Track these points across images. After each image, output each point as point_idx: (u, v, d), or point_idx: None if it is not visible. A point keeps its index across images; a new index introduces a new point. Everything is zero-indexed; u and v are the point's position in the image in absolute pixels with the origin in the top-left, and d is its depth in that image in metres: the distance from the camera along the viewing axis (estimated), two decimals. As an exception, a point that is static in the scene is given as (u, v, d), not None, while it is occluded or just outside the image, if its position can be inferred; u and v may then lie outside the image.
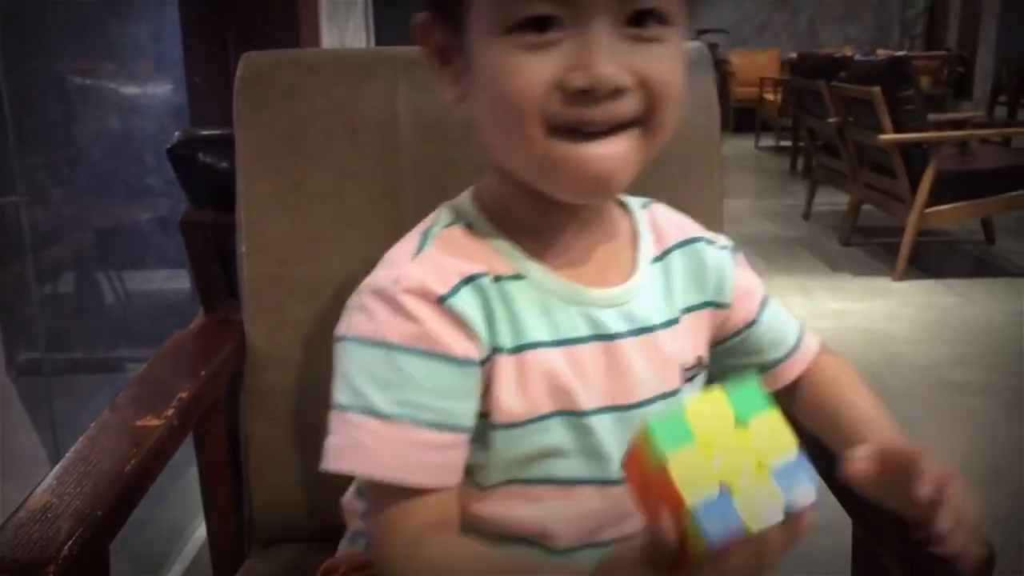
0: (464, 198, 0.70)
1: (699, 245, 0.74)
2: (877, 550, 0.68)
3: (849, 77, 4.19)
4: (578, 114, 0.57)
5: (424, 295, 0.62)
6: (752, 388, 0.47)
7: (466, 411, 0.63)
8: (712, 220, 1.07)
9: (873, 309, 3.44)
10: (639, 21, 0.57)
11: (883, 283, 3.76)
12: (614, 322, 0.67)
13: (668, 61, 0.59)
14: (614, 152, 0.58)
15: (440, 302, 0.62)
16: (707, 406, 0.46)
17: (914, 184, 3.67)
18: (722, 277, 0.74)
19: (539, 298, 0.65)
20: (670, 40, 0.59)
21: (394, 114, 1.04)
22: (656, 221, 0.74)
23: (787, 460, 0.45)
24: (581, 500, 0.67)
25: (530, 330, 0.64)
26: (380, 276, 0.65)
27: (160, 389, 0.90)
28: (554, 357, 0.65)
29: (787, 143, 7.10)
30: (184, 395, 0.89)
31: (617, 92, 0.57)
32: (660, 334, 0.68)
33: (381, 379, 0.61)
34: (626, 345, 0.67)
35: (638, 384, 0.67)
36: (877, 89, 3.69)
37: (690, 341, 0.71)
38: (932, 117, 4.01)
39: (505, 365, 0.64)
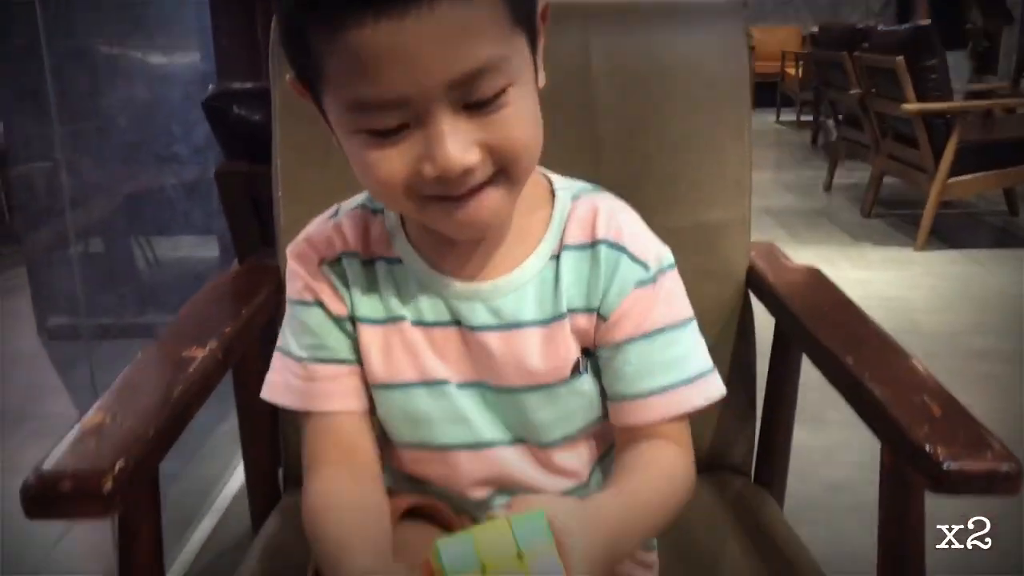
0: None
1: (601, 248, 0.73)
2: (904, 468, 0.70)
3: (872, 47, 4.17)
4: (441, 190, 0.64)
5: (311, 256, 0.76)
6: (537, 520, 0.56)
7: (352, 346, 0.76)
8: (740, 191, 1.10)
9: (895, 278, 3.44)
10: (476, 102, 0.62)
11: (905, 253, 3.76)
12: (478, 315, 0.73)
13: (512, 122, 0.63)
14: (481, 207, 0.65)
15: (319, 264, 0.76)
16: (494, 534, 0.55)
17: (937, 154, 3.66)
18: (610, 287, 0.72)
19: (412, 282, 0.74)
20: (515, 93, 0.63)
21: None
22: (576, 215, 0.75)
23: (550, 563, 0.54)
24: (456, 464, 0.76)
25: (395, 307, 0.74)
26: (300, 234, 0.79)
27: (203, 324, 0.94)
28: (416, 335, 0.74)
29: (808, 117, 7.06)
30: (227, 330, 0.92)
31: (467, 171, 0.62)
32: (530, 331, 0.73)
33: (293, 327, 0.77)
34: (489, 337, 0.73)
35: (504, 373, 0.73)
36: (900, 58, 3.67)
37: (571, 342, 0.73)
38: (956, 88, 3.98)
39: (372, 333, 0.75)
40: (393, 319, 0.74)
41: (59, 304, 3.08)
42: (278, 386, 0.77)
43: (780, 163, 6.05)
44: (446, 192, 0.64)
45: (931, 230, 3.74)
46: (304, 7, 0.60)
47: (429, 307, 0.74)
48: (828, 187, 5.04)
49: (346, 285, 0.75)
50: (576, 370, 0.74)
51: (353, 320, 0.75)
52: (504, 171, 0.65)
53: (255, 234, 1.28)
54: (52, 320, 3.10)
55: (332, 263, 0.75)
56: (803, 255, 3.72)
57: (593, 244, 0.74)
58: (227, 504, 1.94)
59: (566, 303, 0.73)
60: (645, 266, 0.74)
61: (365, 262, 0.75)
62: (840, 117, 5.00)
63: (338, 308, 0.75)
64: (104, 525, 1.42)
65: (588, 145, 1.11)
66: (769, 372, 1.09)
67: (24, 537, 1.84)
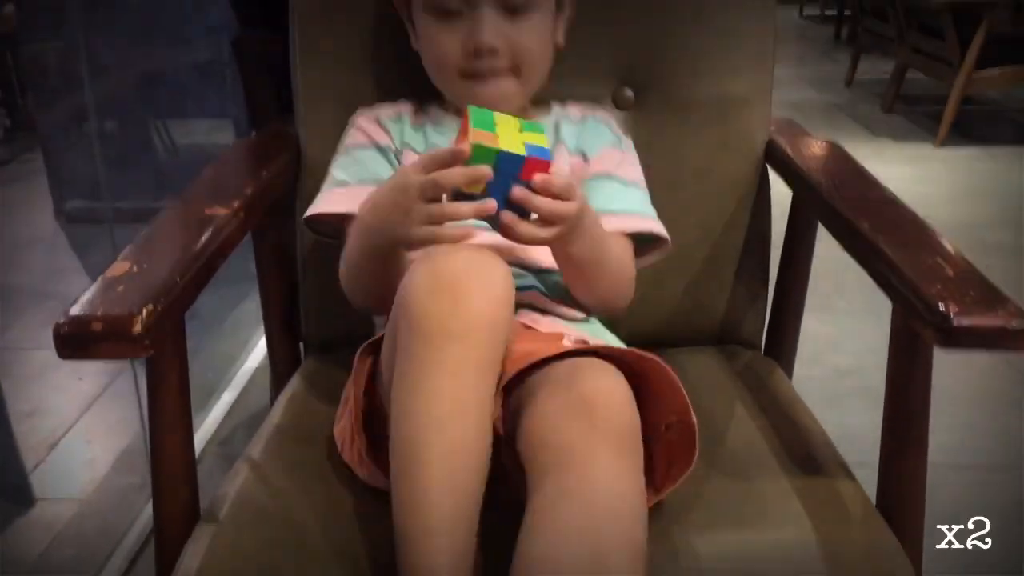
0: None
1: (589, 119, 1.03)
2: (914, 325, 0.71)
3: (902, -65, 4.03)
4: (472, 66, 0.92)
5: (372, 115, 1.02)
6: (538, 126, 0.80)
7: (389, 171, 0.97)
8: (762, 62, 1.09)
9: (913, 173, 3.41)
10: (509, 7, 0.91)
11: (925, 149, 3.71)
12: None
13: (532, 32, 0.93)
14: (494, 91, 0.94)
15: (378, 120, 1.02)
16: (508, 118, 0.79)
17: (963, 47, 3.57)
18: (596, 141, 1.00)
19: (452, 133, 0.91)
20: (536, 17, 0.93)
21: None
22: (569, 107, 1.05)
23: (539, 145, 0.76)
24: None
25: (439, 143, 0.97)
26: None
27: (224, 185, 0.95)
28: None
29: (832, 12, 6.88)
30: (248, 191, 0.93)
31: (492, 51, 0.91)
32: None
33: (343, 164, 0.99)
34: None
35: None
36: (931, -54, 3.55)
37: (564, 165, 0.98)
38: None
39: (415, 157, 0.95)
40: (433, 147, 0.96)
41: (76, 187, 3.09)
42: (320, 205, 0.95)
43: (802, 57, 5.92)
44: (477, 69, 0.92)
45: (952, 126, 3.69)
46: None
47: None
48: (849, 82, 4.94)
49: (398, 130, 1.00)
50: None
51: (398, 153, 0.98)
52: (516, 68, 0.93)
53: (272, 104, 1.28)
54: (69, 203, 3.11)
55: (389, 118, 1.01)
56: (821, 147, 3.67)
57: (584, 118, 1.03)
58: (248, 377, 1.98)
59: (564, 141, 1.00)
60: (619, 138, 1.04)
61: (415, 126, 1.01)
62: (865, 9, 4.88)
63: (386, 140, 0.99)
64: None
65: (607, 13, 1.09)
66: (784, 245, 1.10)
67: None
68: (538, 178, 0.76)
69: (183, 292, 0.75)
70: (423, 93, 1.03)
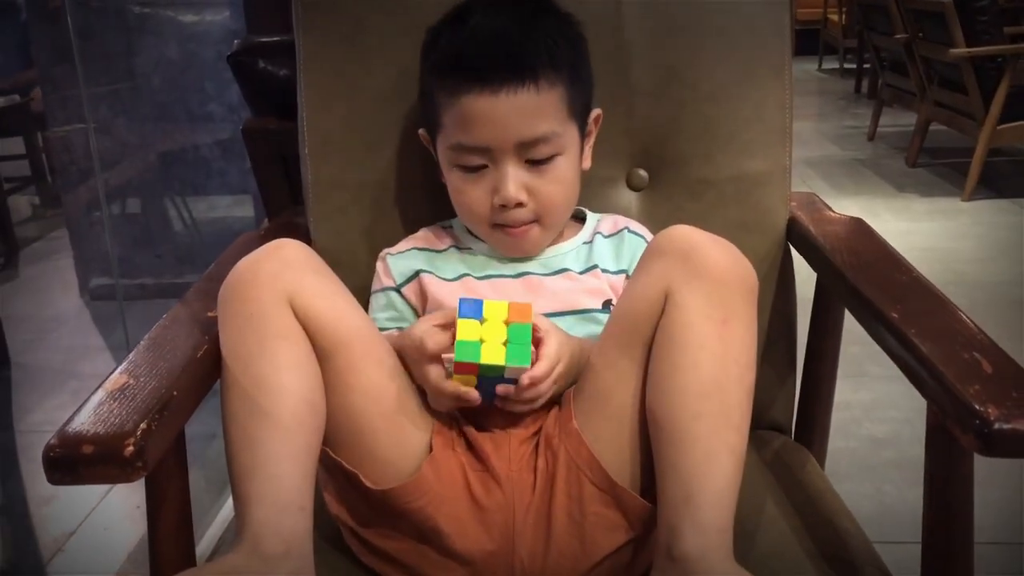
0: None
1: (625, 233, 1.01)
2: (952, 429, 0.67)
3: (919, -10, 4.03)
4: (502, 219, 0.94)
5: (384, 256, 1.03)
6: (524, 306, 0.81)
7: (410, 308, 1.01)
8: (780, 140, 1.06)
9: (940, 229, 3.36)
10: (533, 159, 0.91)
11: (951, 203, 3.66)
12: (530, 267, 0.98)
13: (556, 180, 0.93)
14: (526, 239, 0.96)
15: (385, 257, 1.02)
16: (495, 306, 0.80)
17: (986, 100, 3.54)
18: (634, 257, 0.97)
19: (480, 256, 1.00)
20: (561, 162, 0.93)
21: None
22: (603, 221, 1.04)
23: (522, 343, 0.79)
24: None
25: (463, 269, 0.99)
26: None
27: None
28: (479, 284, 0.97)
29: (851, 65, 6.88)
30: (253, 290, 0.91)
31: (519, 204, 0.92)
32: (570, 273, 0.97)
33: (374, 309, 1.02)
34: (539, 278, 0.97)
35: (550, 300, 0.94)
36: (949, 0, 3.54)
37: (603, 286, 0.97)
38: (1008, 30, 3.83)
39: (440, 284, 0.97)
40: (460, 276, 0.98)
41: (101, 265, 3.11)
42: None
43: (822, 112, 5.91)
44: (505, 221, 0.93)
45: (978, 178, 3.64)
46: (436, 78, 0.93)
47: (491, 267, 0.98)
48: (871, 136, 4.91)
49: (407, 264, 1.00)
50: (607, 306, 0.95)
51: (399, 289, 0.99)
52: (541, 219, 0.94)
53: (285, 192, 1.26)
54: (94, 281, 3.13)
55: (396, 254, 1.02)
56: (846, 206, 3.64)
57: (619, 231, 1.02)
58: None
59: (599, 263, 0.98)
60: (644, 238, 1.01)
61: (438, 250, 1.01)
62: (885, 63, 4.86)
63: (389, 283, 1.00)
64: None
65: (619, 93, 1.07)
66: (810, 328, 1.05)
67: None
68: (512, 389, 0.81)
69: (182, 404, 0.72)
70: (432, 186, 1.01)
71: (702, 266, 0.76)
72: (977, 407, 0.63)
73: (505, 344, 0.79)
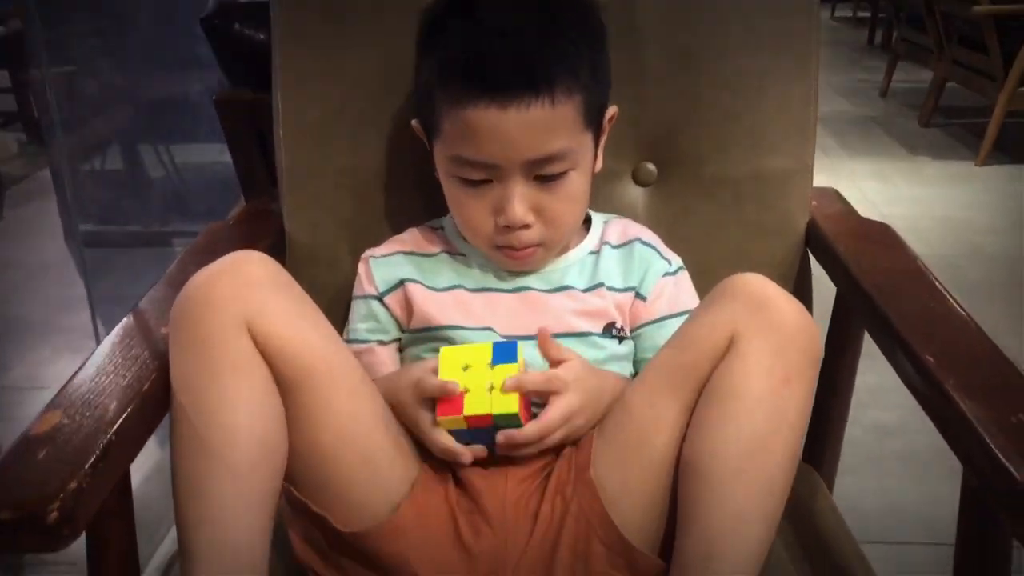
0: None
1: (636, 245, 0.92)
2: (990, 502, 0.59)
3: (942, -59, 3.86)
4: (506, 240, 0.84)
5: (366, 258, 0.94)
6: (511, 347, 0.76)
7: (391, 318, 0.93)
8: (803, 136, 0.97)
9: (953, 195, 3.25)
10: (542, 176, 0.82)
11: (964, 167, 3.54)
12: (529, 281, 0.90)
13: (567, 197, 0.84)
14: (529, 259, 0.87)
15: (367, 260, 0.93)
16: (479, 348, 0.75)
17: (1007, 60, 3.41)
18: (646, 273, 0.90)
19: (474, 265, 0.91)
20: (573, 176, 0.83)
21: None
22: (611, 227, 0.95)
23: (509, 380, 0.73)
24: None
25: (454, 279, 0.90)
26: None
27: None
28: (471, 297, 0.89)
29: (865, 14, 6.69)
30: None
31: (524, 225, 0.82)
32: (572, 292, 0.89)
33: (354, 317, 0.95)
34: (538, 295, 0.89)
35: (548, 322, 0.84)
36: (973, -46, 3.39)
37: (608, 307, 0.88)
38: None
39: (428, 295, 0.89)
40: (451, 287, 0.89)
41: (87, 211, 3.02)
42: None
43: (833, 64, 5.74)
44: (510, 243, 0.84)
45: (994, 142, 3.52)
46: (437, 80, 0.81)
47: (486, 279, 0.90)
48: (884, 92, 4.77)
49: (392, 271, 0.91)
50: (609, 330, 0.88)
51: (381, 298, 0.91)
52: (546, 241, 0.85)
53: (261, 170, 1.17)
54: (80, 227, 3.04)
55: (380, 257, 0.93)
56: (855, 168, 3.54)
57: (629, 243, 0.93)
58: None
59: (604, 280, 0.89)
60: (669, 262, 0.93)
61: (427, 255, 0.92)
62: (901, 16, 4.70)
63: (371, 290, 0.91)
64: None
65: (630, 79, 0.97)
66: (826, 344, 0.96)
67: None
68: (512, 436, 0.74)
69: (124, 449, 0.64)
70: (422, 178, 0.92)
71: (776, 320, 0.70)
72: (1028, 491, 0.55)
73: (491, 390, 0.72)
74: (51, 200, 3.08)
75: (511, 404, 0.72)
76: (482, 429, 0.73)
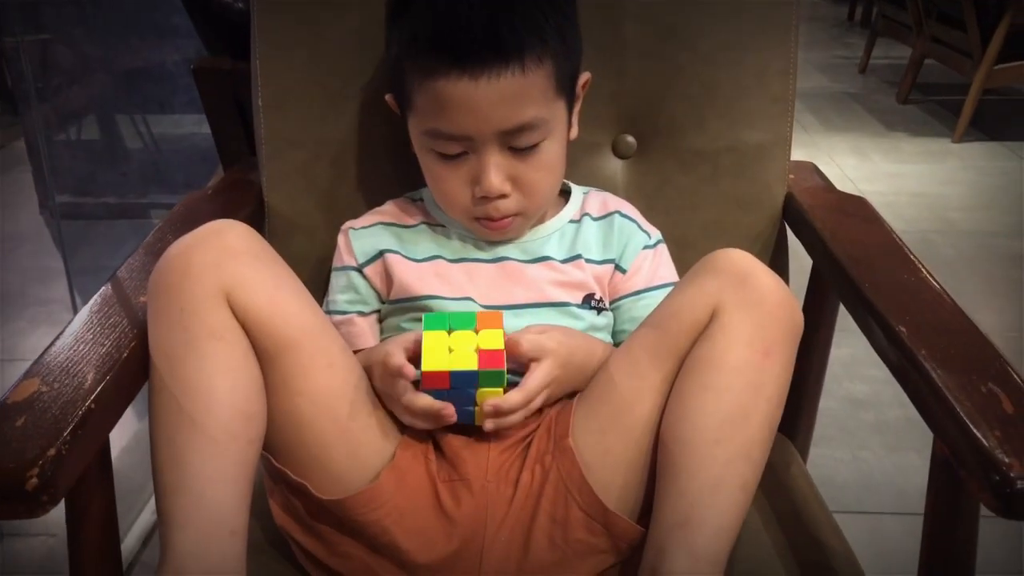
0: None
1: (616, 217, 0.93)
2: (961, 475, 0.60)
3: (922, -83, 3.86)
4: (483, 211, 0.85)
5: (345, 230, 0.94)
6: (494, 314, 0.77)
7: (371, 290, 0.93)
8: (781, 109, 0.97)
9: (929, 172, 3.27)
10: (517, 147, 0.82)
11: (941, 144, 3.56)
12: (509, 251, 0.90)
13: (542, 166, 0.84)
14: (506, 229, 0.87)
15: (347, 231, 0.93)
16: (462, 316, 0.76)
17: (985, 38, 3.42)
18: (626, 246, 0.91)
19: (454, 236, 0.91)
20: (546, 146, 0.83)
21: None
22: (590, 199, 0.95)
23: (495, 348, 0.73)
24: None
25: (434, 250, 0.91)
26: None
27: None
28: (451, 267, 0.89)
29: (846, -11, 6.69)
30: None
31: (501, 195, 0.83)
32: (551, 263, 0.89)
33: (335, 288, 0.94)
34: (517, 265, 0.89)
35: (527, 293, 0.87)
36: (953, -69, 3.39)
37: (587, 279, 0.89)
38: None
39: (408, 265, 0.89)
40: (431, 258, 0.89)
41: (63, 182, 2.99)
42: None
43: (813, 40, 5.74)
44: (488, 214, 0.85)
45: (971, 119, 3.54)
46: (407, 54, 0.81)
47: (465, 249, 0.90)
48: (863, 69, 4.78)
49: (371, 242, 0.91)
50: (588, 301, 0.88)
51: (361, 269, 0.91)
52: (524, 210, 0.86)
53: (240, 139, 1.16)
54: (56, 198, 3.01)
55: (360, 229, 0.92)
56: (833, 145, 3.55)
57: (609, 215, 0.93)
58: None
59: (583, 252, 0.90)
60: (649, 235, 0.93)
61: (406, 226, 0.92)
62: (881, -9, 4.71)
63: (350, 262, 0.91)
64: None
65: (611, 49, 0.97)
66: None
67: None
68: (498, 404, 0.74)
69: (103, 417, 0.64)
70: (401, 149, 0.92)
71: (757, 294, 0.71)
72: (996, 459, 0.56)
73: (477, 351, 0.72)
74: (26, 171, 3.04)
75: (497, 361, 0.73)
76: (463, 392, 0.74)
